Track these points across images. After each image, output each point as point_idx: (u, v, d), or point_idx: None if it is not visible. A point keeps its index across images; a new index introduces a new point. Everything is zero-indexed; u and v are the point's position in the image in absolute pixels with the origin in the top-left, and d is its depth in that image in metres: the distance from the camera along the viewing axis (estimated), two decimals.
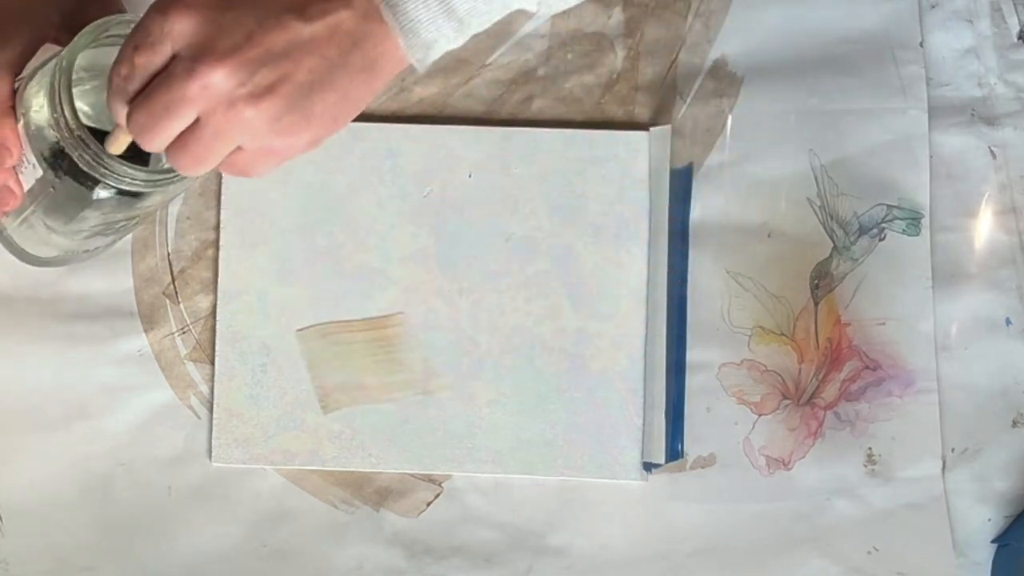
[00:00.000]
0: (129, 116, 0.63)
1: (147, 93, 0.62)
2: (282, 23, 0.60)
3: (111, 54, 0.68)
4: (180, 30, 0.60)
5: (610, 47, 0.88)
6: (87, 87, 0.73)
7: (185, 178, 0.69)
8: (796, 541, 0.84)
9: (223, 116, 0.61)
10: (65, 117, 0.67)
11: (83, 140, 0.68)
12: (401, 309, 0.85)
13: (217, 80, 0.60)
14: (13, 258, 0.82)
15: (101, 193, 0.70)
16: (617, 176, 0.86)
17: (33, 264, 0.81)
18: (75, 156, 0.68)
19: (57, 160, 0.70)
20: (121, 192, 0.70)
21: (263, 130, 0.61)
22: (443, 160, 0.86)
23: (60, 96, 0.67)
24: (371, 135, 0.86)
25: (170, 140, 0.63)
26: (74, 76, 0.70)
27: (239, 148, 0.63)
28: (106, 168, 0.68)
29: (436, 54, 0.64)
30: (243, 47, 0.60)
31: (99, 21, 0.69)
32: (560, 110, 0.87)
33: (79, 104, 0.69)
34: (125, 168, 0.68)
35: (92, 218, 0.73)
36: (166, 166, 0.67)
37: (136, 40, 0.61)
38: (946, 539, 0.84)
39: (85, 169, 0.68)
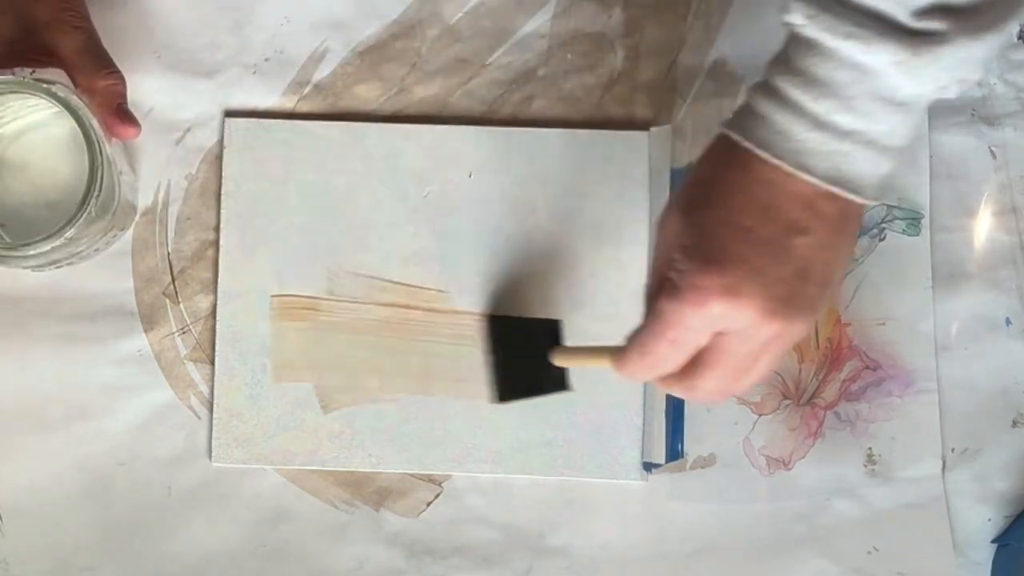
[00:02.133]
0: (688, 387, 0.68)
1: (710, 366, 0.66)
2: (791, 250, 0.64)
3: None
4: (722, 312, 0.64)
5: (610, 47, 0.88)
6: (42, 107, 0.74)
7: (65, 237, 0.73)
8: (796, 541, 0.84)
9: (758, 342, 0.65)
10: None
11: None
12: (401, 309, 0.85)
13: (771, 332, 0.64)
14: None
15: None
16: (617, 176, 0.86)
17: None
18: None
19: None
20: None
21: (792, 336, 0.66)
22: (443, 160, 0.86)
23: None
24: (371, 135, 0.86)
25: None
26: (23, 101, 0.71)
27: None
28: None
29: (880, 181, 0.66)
30: (782, 295, 0.64)
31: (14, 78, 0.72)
32: (560, 110, 0.87)
33: (31, 124, 0.71)
34: (8, 252, 0.73)
35: (17, 262, 0.74)
36: (32, 238, 0.72)
37: (672, 333, 0.65)
38: (946, 539, 0.84)
39: None
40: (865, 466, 0.85)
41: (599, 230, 0.86)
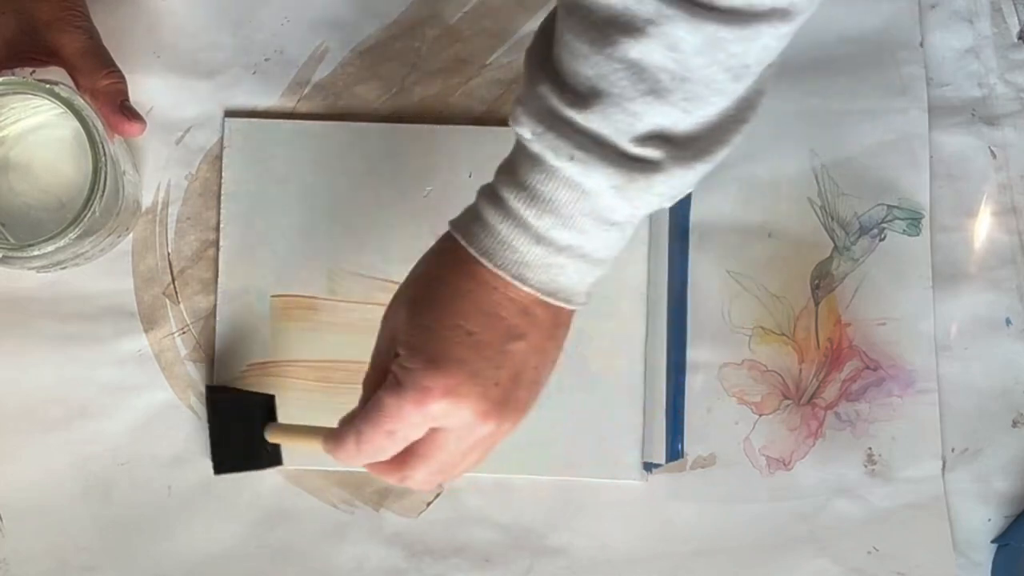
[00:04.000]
0: (400, 476, 0.70)
1: (423, 457, 0.69)
2: (509, 356, 0.67)
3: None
4: (441, 412, 0.66)
5: None
6: (43, 109, 0.73)
7: (69, 238, 0.73)
8: (796, 541, 0.84)
9: (472, 440, 0.68)
10: None
11: None
12: None
13: (485, 431, 0.68)
14: None
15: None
16: None
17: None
18: None
19: None
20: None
21: (501, 434, 0.69)
22: (443, 160, 0.86)
23: None
24: (371, 135, 0.86)
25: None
26: (23, 102, 0.71)
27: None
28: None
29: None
30: (493, 394, 0.67)
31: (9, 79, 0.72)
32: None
33: (31, 125, 0.71)
34: (13, 252, 0.73)
35: (21, 263, 0.74)
36: (38, 239, 0.72)
37: (390, 425, 0.67)
38: (946, 539, 0.84)
39: None
40: (865, 466, 0.85)
41: None
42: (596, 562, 0.84)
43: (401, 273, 0.85)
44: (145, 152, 0.86)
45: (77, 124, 0.73)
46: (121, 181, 0.77)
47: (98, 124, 0.73)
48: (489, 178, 0.86)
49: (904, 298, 0.86)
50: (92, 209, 0.73)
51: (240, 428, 0.81)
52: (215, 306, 0.85)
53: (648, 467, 0.84)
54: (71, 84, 0.75)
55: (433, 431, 0.68)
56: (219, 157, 0.86)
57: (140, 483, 0.83)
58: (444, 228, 0.85)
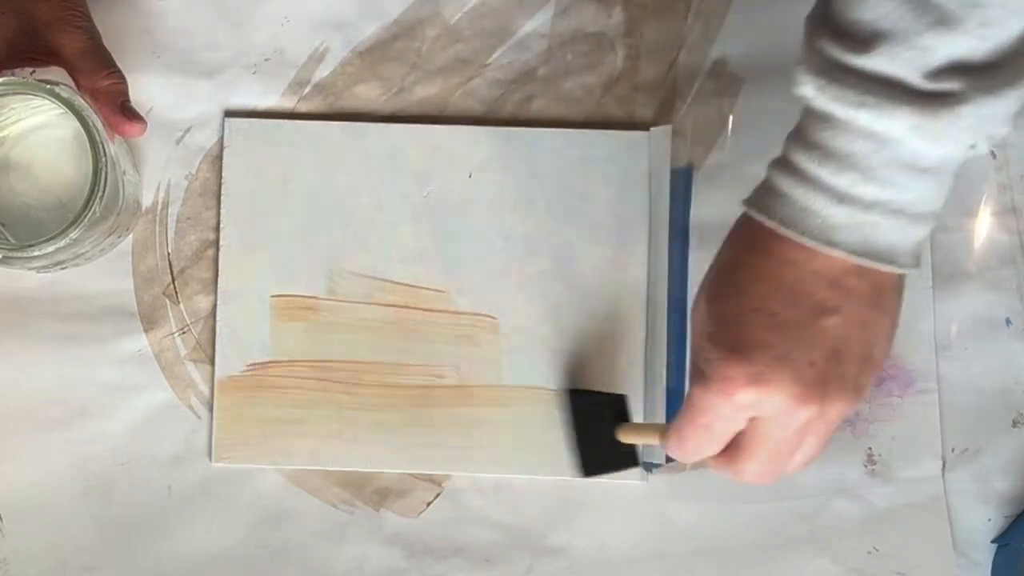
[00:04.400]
0: (733, 471, 0.68)
1: (748, 450, 0.67)
2: (813, 332, 0.63)
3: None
4: (750, 400, 0.64)
5: (610, 47, 0.88)
6: (44, 109, 0.73)
7: (69, 238, 0.72)
8: (796, 541, 0.84)
9: (795, 425, 0.65)
10: None
11: None
12: (401, 309, 0.85)
13: (808, 415, 0.64)
14: None
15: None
16: (617, 176, 0.86)
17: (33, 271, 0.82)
18: None
19: None
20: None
21: (830, 419, 0.66)
22: (443, 160, 0.86)
23: None
24: (371, 135, 0.86)
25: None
26: (24, 102, 0.71)
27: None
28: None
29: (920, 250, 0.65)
30: (813, 379, 0.63)
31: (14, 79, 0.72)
32: (560, 110, 0.87)
33: (32, 125, 0.71)
34: (13, 252, 0.72)
35: (22, 263, 0.74)
36: (38, 239, 0.72)
37: (702, 419, 0.66)
38: (946, 539, 0.84)
39: None
40: (865, 466, 0.85)
41: (599, 230, 0.86)
42: (596, 562, 0.84)
43: (401, 273, 0.86)
44: (145, 152, 0.86)
45: (77, 124, 0.73)
46: (121, 181, 0.77)
47: (98, 124, 0.73)
48: (489, 178, 0.86)
49: (904, 298, 0.86)
50: (92, 209, 0.73)
51: (596, 429, 0.81)
52: (215, 306, 0.85)
53: (648, 467, 0.84)
54: (71, 84, 0.75)
55: (753, 421, 0.65)
56: (219, 157, 0.86)
57: (140, 483, 0.83)
58: (444, 228, 0.86)
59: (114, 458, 0.83)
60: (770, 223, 0.63)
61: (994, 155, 0.88)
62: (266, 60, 0.87)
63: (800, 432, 0.65)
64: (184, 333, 0.85)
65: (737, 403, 0.64)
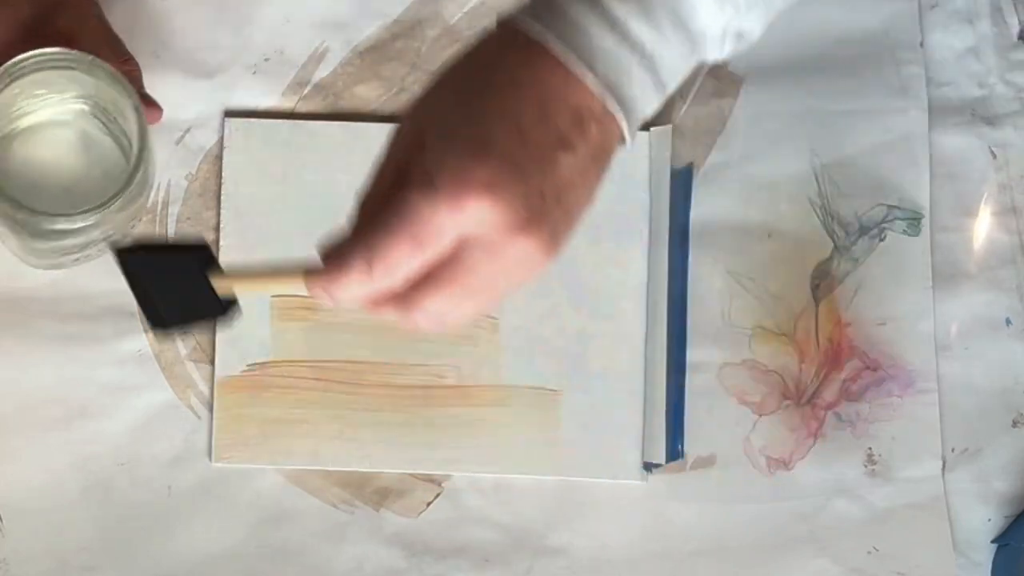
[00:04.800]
0: (408, 307, 0.59)
1: (444, 281, 0.58)
2: (556, 164, 0.58)
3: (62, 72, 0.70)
4: (478, 212, 0.56)
5: None
6: (51, 101, 0.73)
7: (121, 208, 0.71)
8: (796, 541, 0.84)
9: (502, 261, 0.59)
10: None
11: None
12: None
13: (518, 250, 0.58)
14: (12, 258, 0.82)
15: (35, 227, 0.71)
16: (617, 176, 0.86)
17: (36, 267, 0.82)
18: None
19: None
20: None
21: (536, 263, 0.60)
22: None
23: None
24: (371, 135, 0.86)
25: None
26: (32, 96, 0.70)
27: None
28: (23, 217, 0.69)
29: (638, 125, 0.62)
30: (540, 207, 0.57)
31: (8, 64, 0.71)
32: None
33: (40, 119, 0.70)
34: (34, 215, 0.70)
35: (48, 246, 0.74)
36: (85, 208, 0.69)
37: (411, 231, 0.57)
38: (946, 539, 0.84)
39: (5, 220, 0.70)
40: (865, 466, 0.85)
41: (599, 230, 0.86)
42: (596, 562, 0.84)
43: None
44: None
45: (83, 122, 0.73)
46: (154, 160, 0.77)
47: (135, 94, 0.73)
48: None
49: (904, 298, 0.86)
50: (136, 179, 0.72)
51: (177, 283, 0.68)
52: None
53: (648, 467, 0.84)
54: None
55: (459, 248, 0.58)
56: (219, 157, 0.86)
57: (140, 483, 0.83)
58: None
59: (114, 458, 0.83)
60: (537, 28, 0.58)
61: (994, 155, 0.88)
62: (266, 60, 0.87)
63: (501, 270, 0.58)
64: (184, 333, 0.85)
65: (463, 211, 0.55)
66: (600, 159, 0.60)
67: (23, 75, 0.73)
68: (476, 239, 0.57)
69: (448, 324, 0.59)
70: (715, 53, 0.62)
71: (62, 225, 0.72)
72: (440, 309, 0.59)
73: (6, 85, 0.72)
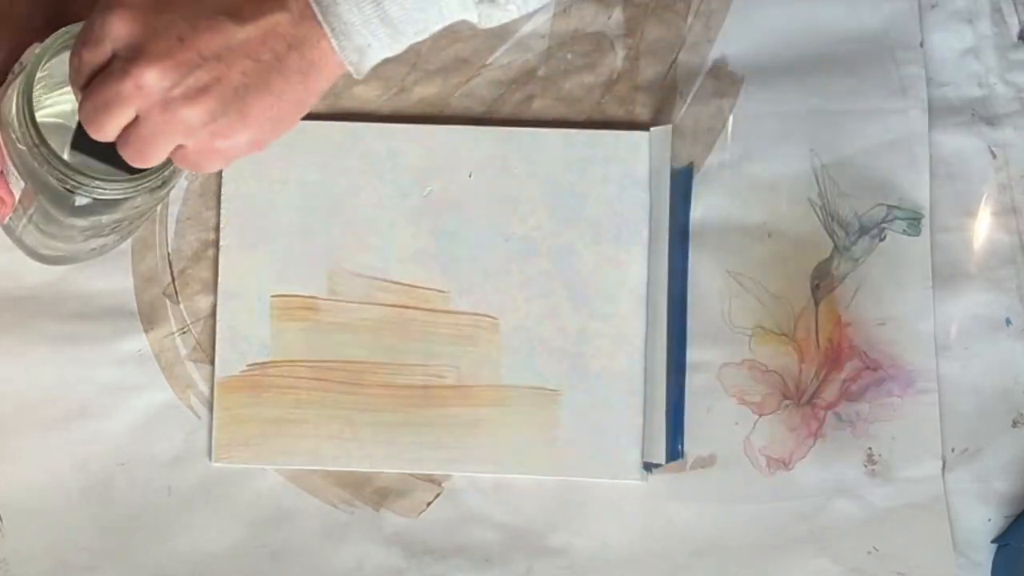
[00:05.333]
0: (80, 106, 0.64)
1: (91, 88, 0.63)
2: (215, 25, 0.61)
3: None
4: (118, 31, 0.61)
5: (610, 47, 0.88)
6: (67, 91, 0.72)
7: (163, 183, 0.69)
8: (796, 541, 0.84)
9: (159, 116, 0.62)
10: (30, 134, 0.67)
11: (46, 157, 0.67)
12: (401, 309, 0.85)
13: (150, 81, 0.61)
14: (12, 258, 0.82)
15: (81, 200, 0.70)
16: (617, 176, 0.86)
17: (45, 263, 0.82)
18: (43, 171, 0.68)
19: (31, 172, 0.69)
20: (100, 200, 0.70)
21: (199, 130, 0.63)
22: (443, 160, 0.86)
23: (24, 113, 0.67)
24: (371, 135, 0.86)
25: (115, 133, 0.64)
26: (53, 82, 0.69)
27: (182, 145, 0.64)
28: (75, 181, 0.68)
29: (372, 60, 0.64)
30: (176, 49, 0.61)
31: (63, 29, 0.69)
32: (560, 110, 0.87)
33: (59, 107, 0.69)
34: (93, 180, 0.68)
35: (80, 224, 0.73)
36: (140, 173, 0.67)
37: (83, 36, 0.63)
38: (946, 539, 0.84)
39: (55, 183, 0.68)
40: (865, 466, 0.85)
41: (599, 230, 0.86)
42: (596, 562, 0.84)
43: (401, 273, 0.86)
44: None
45: None
46: None
47: None
48: (489, 178, 0.86)
49: (904, 298, 0.86)
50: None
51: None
52: (215, 306, 0.85)
53: (648, 467, 0.84)
54: None
55: (120, 72, 0.62)
56: None
57: (140, 483, 0.83)
58: (444, 228, 0.86)
59: (114, 458, 0.83)
60: None
61: (994, 155, 0.88)
62: None
63: (147, 106, 0.62)
64: (184, 333, 0.85)
65: (113, 28, 0.62)
66: (287, 56, 0.62)
67: (68, 47, 0.71)
68: (116, 55, 0.62)
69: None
70: (461, 12, 0.64)
71: (110, 194, 0.69)
72: (89, 113, 0.63)
73: (60, 49, 0.70)
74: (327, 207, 0.86)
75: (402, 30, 0.63)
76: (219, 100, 0.62)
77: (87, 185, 0.68)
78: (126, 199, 0.70)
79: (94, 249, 0.80)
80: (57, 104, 0.75)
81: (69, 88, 0.69)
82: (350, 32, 0.62)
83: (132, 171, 0.68)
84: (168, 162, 0.68)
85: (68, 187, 0.68)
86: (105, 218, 0.73)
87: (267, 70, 0.62)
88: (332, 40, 0.62)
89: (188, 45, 0.61)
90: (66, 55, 0.68)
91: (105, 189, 0.68)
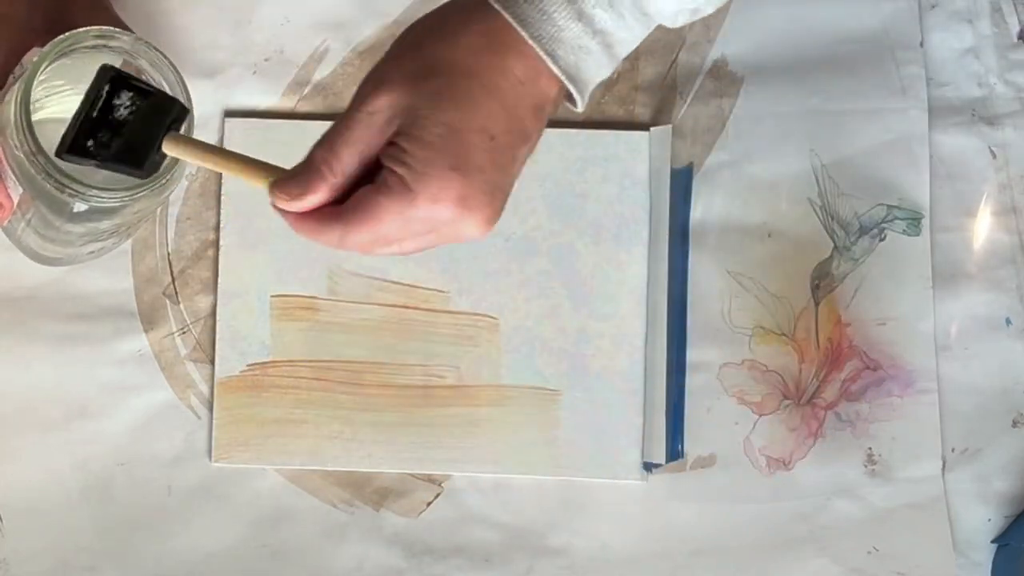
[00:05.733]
0: (340, 233, 0.63)
1: (371, 207, 0.62)
2: (516, 160, 0.63)
3: (86, 61, 0.67)
4: (447, 219, 0.62)
5: None
6: (66, 94, 0.72)
7: (159, 191, 0.69)
8: (796, 541, 0.84)
9: (444, 231, 0.63)
10: (27, 142, 0.67)
11: (43, 165, 0.67)
12: (401, 309, 0.85)
13: (470, 232, 0.63)
14: (12, 258, 0.82)
15: (79, 207, 0.70)
16: (617, 176, 0.86)
17: (45, 264, 0.82)
18: (40, 178, 0.67)
19: (28, 178, 0.69)
20: (97, 207, 0.69)
21: (476, 234, 0.64)
22: None
23: (21, 120, 0.66)
24: None
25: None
26: (50, 87, 0.69)
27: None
28: (72, 189, 0.67)
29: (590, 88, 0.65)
30: (499, 205, 0.63)
31: (62, 36, 0.68)
32: (560, 110, 0.87)
33: (55, 113, 0.69)
34: (90, 188, 0.67)
35: (77, 229, 0.73)
36: (135, 182, 0.67)
37: (385, 230, 0.62)
38: (946, 539, 0.84)
39: (52, 190, 0.68)
40: (865, 466, 0.85)
41: (599, 230, 0.86)
42: (596, 562, 0.84)
43: (401, 273, 0.85)
44: None
45: None
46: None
47: (177, 69, 0.71)
48: None
49: (904, 298, 0.86)
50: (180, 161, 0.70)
51: (127, 120, 0.67)
52: (215, 306, 0.85)
53: (648, 467, 0.84)
54: None
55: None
56: None
57: (140, 483, 0.83)
58: None
59: (114, 458, 0.83)
60: (507, 15, 0.61)
61: (994, 155, 0.88)
62: (266, 60, 0.87)
63: (439, 235, 0.63)
64: (184, 333, 0.85)
65: (436, 221, 0.62)
66: (540, 134, 0.64)
67: (66, 54, 0.70)
68: (432, 229, 0.62)
69: (364, 252, 0.64)
70: (668, 24, 0.65)
71: (107, 202, 0.69)
72: (360, 240, 0.63)
73: (59, 56, 0.70)
74: None
75: (619, 61, 0.65)
76: (501, 195, 0.63)
77: (84, 193, 0.68)
78: (123, 206, 0.70)
79: (92, 252, 0.80)
80: (58, 105, 0.75)
81: (70, 89, 0.69)
82: (591, 83, 0.64)
83: (126, 174, 0.67)
84: (166, 169, 0.68)
85: (65, 195, 0.68)
86: (103, 224, 0.73)
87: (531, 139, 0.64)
88: (578, 100, 0.64)
89: (505, 191, 0.63)
90: (65, 60, 0.68)
91: (102, 197, 0.68)
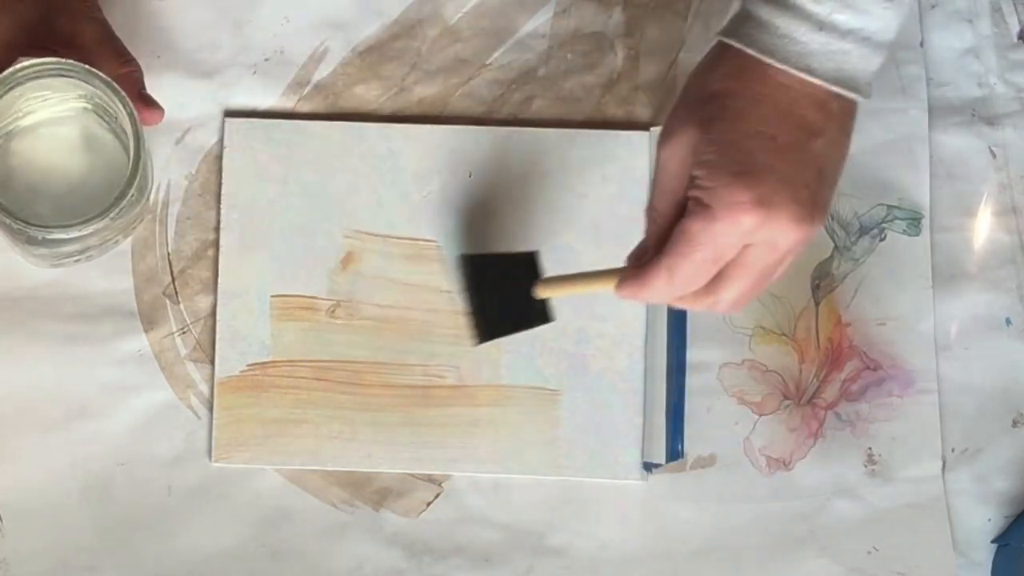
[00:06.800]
0: (710, 302, 0.69)
1: (735, 278, 0.67)
2: (810, 154, 0.66)
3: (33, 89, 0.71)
4: (755, 224, 0.65)
5: (610, 47, 0.88)
6: (52, 101, 0.73)
7: (109, 218, 0.72)
8: (796, 541, 0.84)
9: (783, 249, 0.67)
10: None
11: None
12: (401, 309, 0.85)
13: (797, 238, 0.66)
14: (12, 258, 0.82)
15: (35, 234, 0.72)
16: (617, 176, 0.86)
17: (39, 266, 0.82)
18: None
19: None
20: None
21: (810, 239, 0.67)
22: (443, 160, 0.86)
23: None
24: (371, 135, 0.86)
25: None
26: (33, 98, 0.71)
27: None
28: (19, 227, 0.70)
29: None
30: (807, 201, 0.65)
31: (6, 74, 0.72)
32: (560, 110, 0.87)
33: (43, 117, 0.71)
34: (38, 227, 0.71)
35: (41, 251, 0.74)
36: (81, 218, 0.71)
37: (702, 253, 0.66)
38: (946, 539, 0.84)
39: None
40: (865, 466, 0.85)
41: (599, 230, 0.86)
42: (596, 562, 0.84)
43: (401, 273, 0.85)
44: None
45: (85, 120, 0.73)
46: (151, 164, 0.77)
47: (131, 104, 0.74)
48: (489, 178, 0.86)
49: (904, 298, 0.86)
50: (132, 191, 0.72)
51: (503, 291, 0.79)
52: (215, 306, 0.85)
53: (648, 467, 0.84)
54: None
55: (744, 250, 0.66)
56: (219, 157, 0.86)
57: (140, 483, 0.83)
58: (444, 228, 0.86)
59: (114, 458, 0.83)
60: (752, 51, 0.65)
61: (994, 155, 0.88)
62: (266, 60, 0.87)
63: (782, 256, 0.67)
64: (184, 333, 0.85)
65: (742, 229, 0.65)
66: (846, 123, 0.67)
67: (20, 84, 0.73)
68: (758, 242, 0.65)
69: (743, 307, 0.69)
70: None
71: (57, 235, 0.72)
72: (734, 298, 0.68)
73: (6, 91, 0.72)
74: (327, 207, 0.86)
75: (889, 41, 0.66)
76: (827, 198, 0.67)
77: (30, 232, 0.71)
78: (81, 236, 0.72)
79: (78, 260, 0.81)
80: (46, 111, 0.76)
81: (55, 96, 0.70)
82: (861, 73, 0.66)
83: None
84: (119, 198, 0.71)
85: (13, 233, 0.70)
86: (65, 248, 0.75)
87: (838, 160, 0.68)
88: (856, 94, 0.66)
89: (810, 185, 0.66)
90: (32, 83, 0.70)
91: (55, 232, 0.71)
